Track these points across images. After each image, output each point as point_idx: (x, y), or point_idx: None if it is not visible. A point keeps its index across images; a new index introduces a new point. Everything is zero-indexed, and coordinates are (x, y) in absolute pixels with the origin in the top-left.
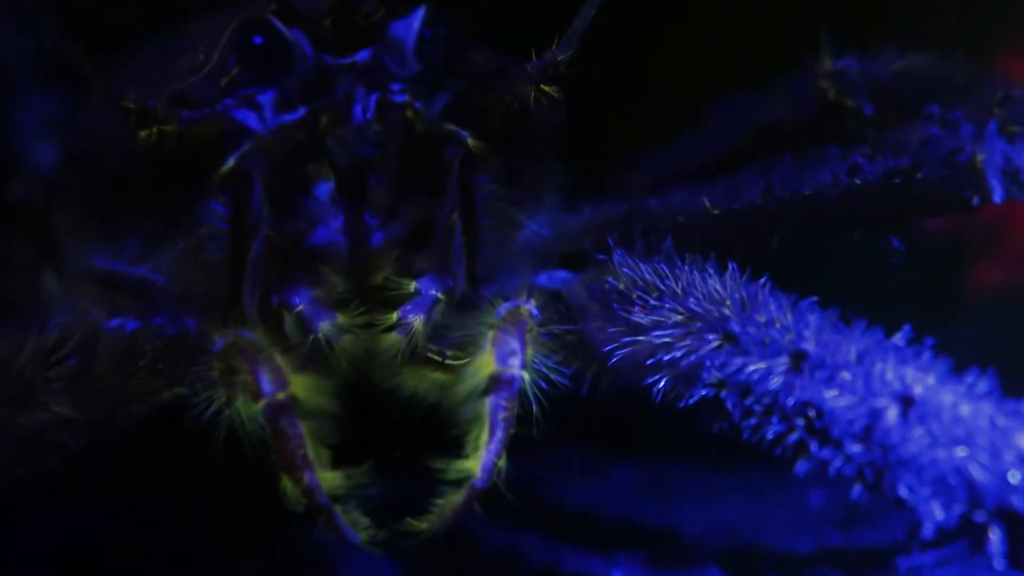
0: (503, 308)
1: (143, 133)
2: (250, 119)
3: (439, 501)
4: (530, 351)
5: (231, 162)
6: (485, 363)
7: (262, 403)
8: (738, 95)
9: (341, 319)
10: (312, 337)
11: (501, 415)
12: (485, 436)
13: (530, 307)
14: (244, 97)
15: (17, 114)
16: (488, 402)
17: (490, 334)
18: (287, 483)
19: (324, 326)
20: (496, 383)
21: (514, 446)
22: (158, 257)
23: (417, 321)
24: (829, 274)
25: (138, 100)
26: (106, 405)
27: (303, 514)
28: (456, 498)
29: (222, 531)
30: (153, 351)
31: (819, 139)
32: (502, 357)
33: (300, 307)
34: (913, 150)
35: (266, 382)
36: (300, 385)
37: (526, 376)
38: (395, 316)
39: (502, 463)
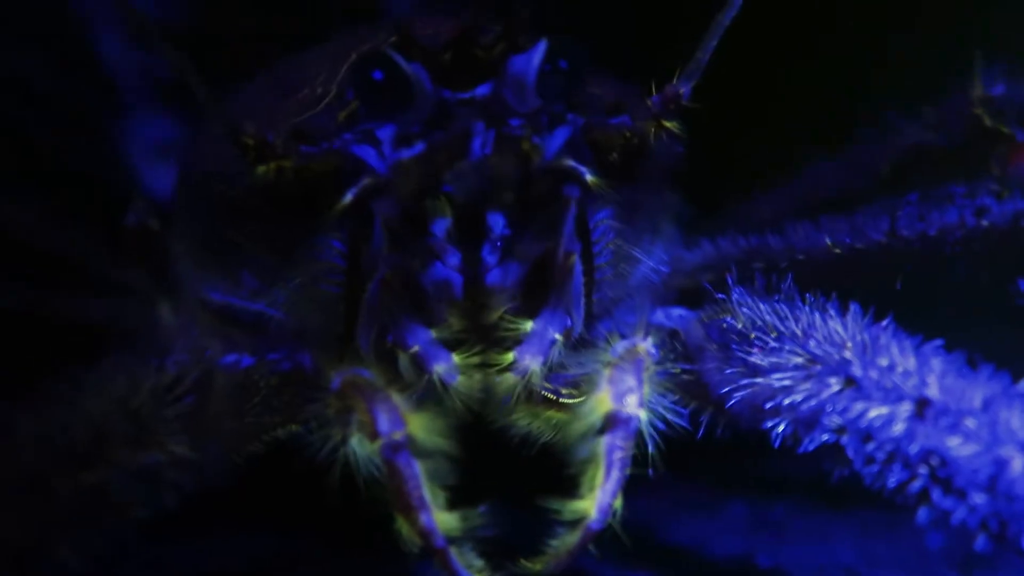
0: (620, 346)
1: (261, 168)
2: (369, 155)
3: (553, 542)
4: (647, 390)
5: (349, 198)
6: (601, 401)
7: (379, 443)
8: (867, 124)
9: (456, 359)
10: (427, 378)
11: (617, 455)
12: (601, 476)
13: (647, 345)
14: (363, 132)
15: (137, 137)
16: (604, 441)
17: (606, 372)
18: (402, 523)
19: (439, 366)
20: (612, 422)
21: (629, 483)
22: (274, 292)
23: (534, 363)
24: (955, 317)
25: (257, 134)
26: (222, 443)
27: (417, 555)
28: (571, 539)
29: (335, 571)
30: (268, 387)
31: (969, 165)
32: (618, 396)
33: (415, 347)
34: None
35: (383, 421)
36: (417, 424)
37: (643, 415)
38: (511, 357)
39: (617, 504)
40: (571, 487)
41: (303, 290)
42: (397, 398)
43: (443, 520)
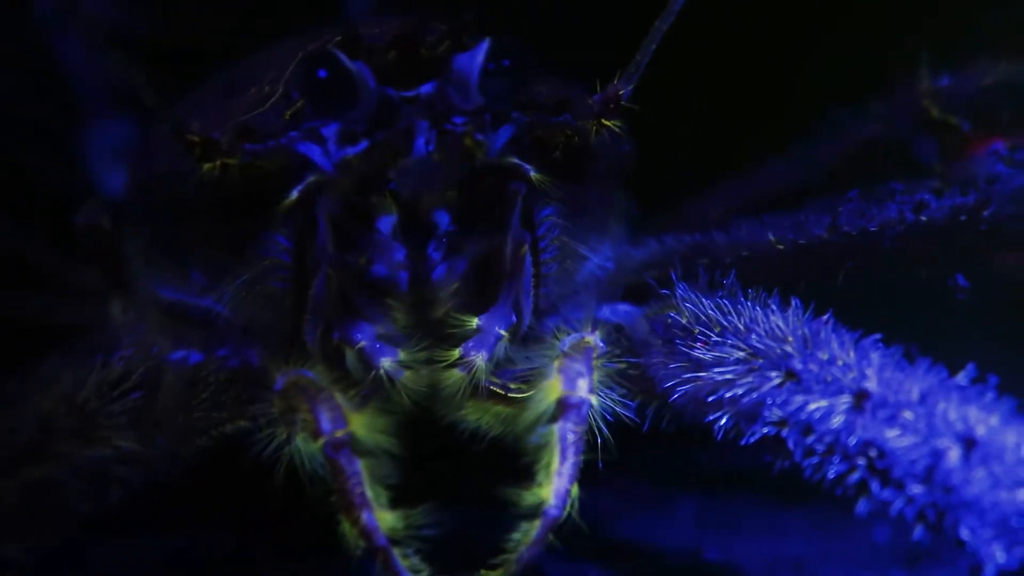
0: (568, 339)
1: (207, 165)
2: (314, 152)
3: (514, 535)
4: (596, 377)
5: (294, 195)
6: (552, 388)
7: (321, 441)
8: (813, 120)
9: (403, 355)
10: (374, 373)
11: (570, 440)
12: (556, 462)
13: (595, 338)
14: (308, 130)
15: (87, 140)
16: (557, 428)
17: (556, 363)
18: (345, 523)
19: (386, 362)
20: (564, 407)
21: (580, 478)
22: (222, 289)
23: (479, 358)
24: (894, 311)
25: (202, 132)
26: (169, 438)
27: (361, 556)
28: (531, 529)
29: (280, 569)
30: (216, 384)
31: (915, 157)
32: (569, 382)
33: (361, 343)
34: (980, 186)
35: (325, 420)
36: (360, 423)
37: (594, 400)
38: (457, 353)
39: (575, 491)
40: (525, 478)
41: (251, 287)
42: (340, 397)
43: (385, 519)
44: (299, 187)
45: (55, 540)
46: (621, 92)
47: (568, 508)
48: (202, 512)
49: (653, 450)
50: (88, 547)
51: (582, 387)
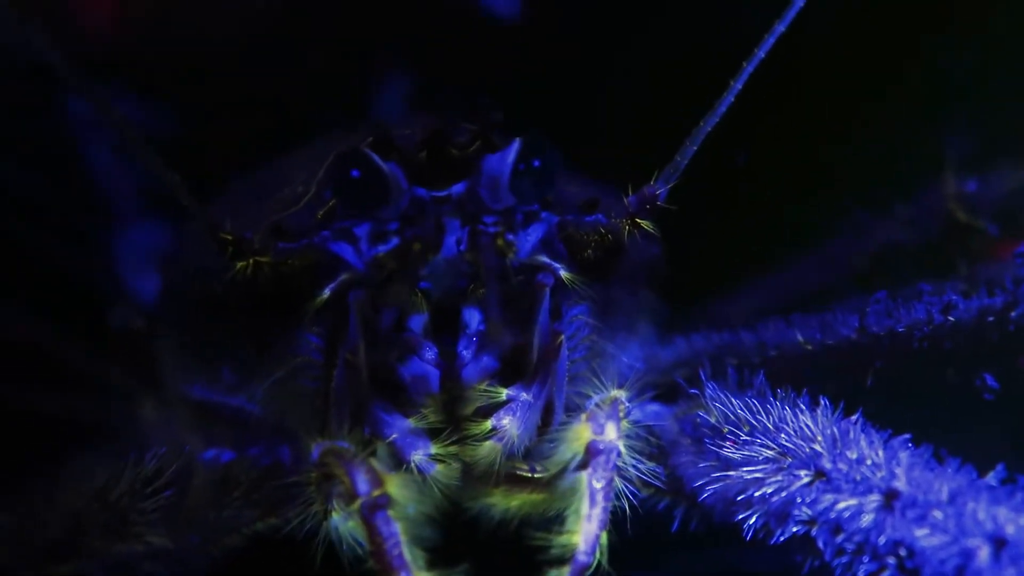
0: (596, 397)
1: (240, 264)
2: (346, 251)
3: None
4: (625, 426)
5: (326, 293)
6: (580, 434)
7: (358, 503)
8: (841, 224)
9: (435, 448)
10: (405, 467)
11: (599, 484)
12: (585, 507)
13: (622, 394)
14: (340, 229)
15: (119, 243)
16: (585, 474)
17: (584, 415)
18: None
19: (416, 456)
20: (592, 453)
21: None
22: (253, 387)
23: (511, 425)
24: (922, 411)
25: (235, 231)
26: (200, 535)
27: None
28: (561, 574)
29: None
30: (248, 482)
31: (944, 260)
32: (597, 427)
33: (392, 436)
34: (1007, 288)
35: (361, 482)
36: (395, 485)
37: (622, 447)
38: (489, 425)
39: (604, 538)
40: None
41: (282, 385)
42: (374, 463)
43: None
44: (331, 285)
45: None
46: (658, 193)
47: (597, 555)
48: None
49: (682, 552)
50: None
51: (611, 432)
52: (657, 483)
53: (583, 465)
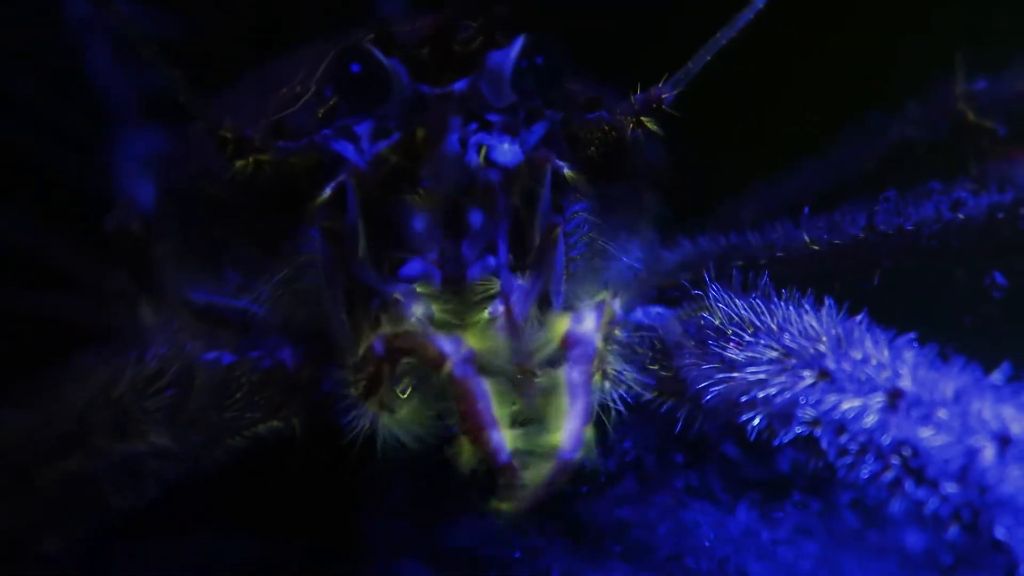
0: (585, 302)
1: (239, 163)
2: (347, 149)
3: (527, 473)
4: (608, 332)
5: (328, 192)
6: (559, 324)
7: (449, 365)
8: (850, 122)
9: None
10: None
11: (579, 380)
12: (566, 404)
13: (613, 301)
14: (341, 127)
15: (116, 145)
16: (564, 369)
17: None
18: (464, 445)
19: (418, 309)
20: (569, 342)
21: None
22: (257, 287)
23: (511, 303)
24: (929, 310)
25: (235, 130)
26: (203, 436)
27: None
28: (542, 470)
29: (313, 565)
30: (249, 384)
31: (954, 160)
32: (576, 318)
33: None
34: (1018, 184)
35: (446, 344)
36: (476, 340)
37: (599, 342)
38: (486, 314)
39: (589, 433)
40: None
41: (286, 284)
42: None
43: (508, 438)
44: (333, 184)
45: (91, 536)
46: (664, 95)
47: (582, 451)
48: (235, 513)
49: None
50: (124, 543)
51: (588, 323)
52: (647, 390)
53: (561, 358)
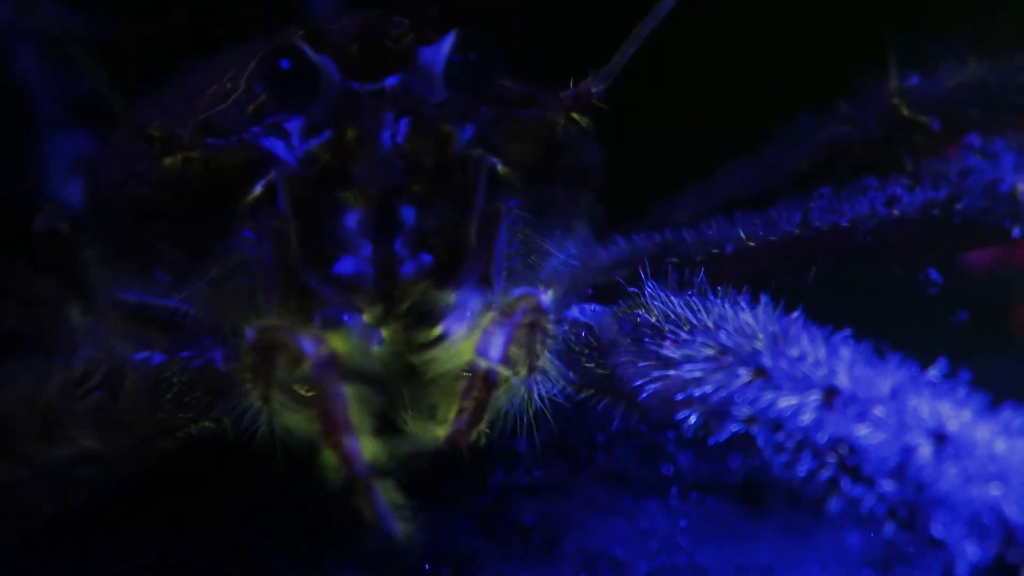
0: (514, 293)
1: (168, 160)
2: (277, 147)
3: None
4: (538, 347)
5: (258, 189)
6: (465, 349)
7: (307, 364)
8: (783, 120)
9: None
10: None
11: (469, 405)
12: (454, 411)
13: (541, 297)
14: (271, 124)
15: (44, 149)
16: (462, 384)
17: (487, 318)
18: (327, 452)
19: (353, 326)
20: (472, 371)
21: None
22: (187, 287)
23: (459, 329)
24: (865, 307)
25: (164, 127)
26: (132, 439)
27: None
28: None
29: (248, 568)
30: (180, 384)
31: (887, 157)
32: (483, 347)
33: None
34: (952, 180)
35: (307, 343)
36: (340, 345)
37: (503, 371)
38: (437, 331)
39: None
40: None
41: (217, 284)
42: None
43: (368, 447)
44: (263, 182)
45: (16, 542)
46: (593, 90)
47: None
48: (167, 517)
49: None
50: (51, 551)
51: (494, 351)
52: (577, 388)
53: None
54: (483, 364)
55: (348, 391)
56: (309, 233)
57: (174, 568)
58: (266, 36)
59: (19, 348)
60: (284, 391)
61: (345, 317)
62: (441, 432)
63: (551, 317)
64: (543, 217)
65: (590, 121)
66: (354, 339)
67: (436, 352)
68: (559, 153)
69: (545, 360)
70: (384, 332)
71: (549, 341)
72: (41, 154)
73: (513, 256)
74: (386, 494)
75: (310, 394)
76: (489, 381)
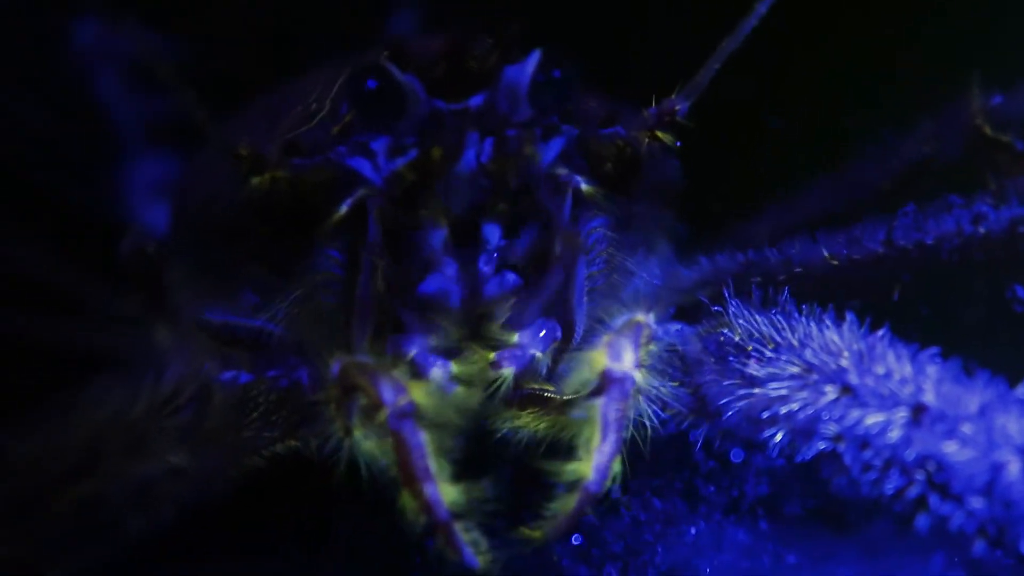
0: (619, 319)
1: (255, 180)
2: (363, 166)
3: (552, 504)
4: (644, 355)
5: (344, 209)
6: (596, 360)
7: (384, 413)
8: (866, 139)
9: (455, 367)
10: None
11: (612, 414)
12: (597, 437)
13: (648, 319)
14: (357, 144)
15: (130, 172)
16: (599, 403)
17: (605, 339)
18: (406, 498)
19: (436, 373)
20: (607, 381)
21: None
22: (273, 307)
23: (508, 371)
24: (951, 324)
25: (251, 147)
26: (219, 457)
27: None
28: (568, 501)
29: None
30: (267, 403)
31: (970, 175)
32: (614, 355)
33: (412, 353)
34: None
35: (387, 391)
36: (421, 395)
37: (639, 377)
38: (491, 356)
39: (617, 467)
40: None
41: (302, 303)
42: (398, 373)
43: (448, 493)
44: (348, 201)
45: (106, 560)
46: (678, 108)
47: (608, 483)
48: (255, 531)
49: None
50: (140, 567)
51: (627, 361)
52: (679, 404)
53: (597, 392)
54: (618, 370)
55: (428, 438)
56: (394, 252)
57: None
58: (350, 56)
59: (108, 368)
60: (365, 427)
61: (429, 364)
62: (585, 469)
63: (653, 337)
64: (626, 236)
65: (674, 139)
66: (435, 388)
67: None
68: (643, 171)
69: (649, 382)
70: (454, 367)
71: (652, 363)
72: (126, 177)
73: (597, 276)
74: (466, 534)
75: (388, 440)
76: (625, 391)
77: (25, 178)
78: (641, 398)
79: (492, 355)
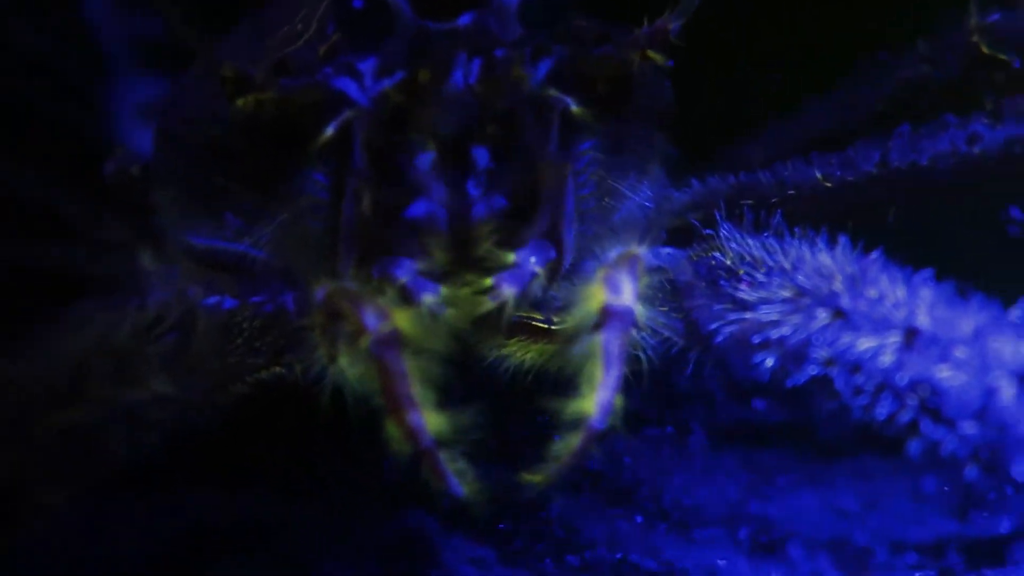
0: (613, 252)
1: (240, 101)
2: (350, 87)
3: (555, 446)
4: (642, 286)
5: (331, 130)
6: (595, 296)
7: (367, 339)
8: (862, 59)
9: (444, 291)
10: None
11: (614, 349)
12: (600, 373)
13: (642, 251)
14: (344, 64)
15: (114, 93)
16: (600, 337)
17: (600, 273)
18: (391, 426)
19: (427, 298)
20: (607, 315)
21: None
22: (258, 231)
23: (509, 292)
24: (945, 246)
25: (237, 68)
26: (204, 383)
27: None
28: (573, 441)
29: (316, 514)
30: (251, 329)
31: (967, 95)
32: (613, 289)
33: (403, 279)
34: None
35: (370, 317)
36: (405, 321)
37: (638, 309)
38: (489, 282)
39: (618, 402)
40: (569, 388)
41: (287, 227)
42: (385, 299)
43: (433, 421)
44: (335, 122)
45: (92, 486)
46: (670, 27)
47: (611, 419)
48: (239, 458)
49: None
50: (125, 493)
51: (627, 294)
52: (670, 331)
53: (597, 327)
54: (618, 304)
55: (410, 368)
56: (381, 175)
57: (241, 513)
58: None
59: (92, 291)
60: (350, 354)
61: (419, 289)
62: (588, 405)
63: (646, 268)
64: (617, 158)
65: (666, 59)
66: (422, 312)
67: (555, 342)
68: (634, 92)
69: (644, 313)
70: (444, 291)
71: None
72: (113, 98)
73: (587, 198)
74: (451, 462)
75: (373, 366)
76: (626, 324)
77: (9, 99)
78: (636, 331)
79: (488, 279)
